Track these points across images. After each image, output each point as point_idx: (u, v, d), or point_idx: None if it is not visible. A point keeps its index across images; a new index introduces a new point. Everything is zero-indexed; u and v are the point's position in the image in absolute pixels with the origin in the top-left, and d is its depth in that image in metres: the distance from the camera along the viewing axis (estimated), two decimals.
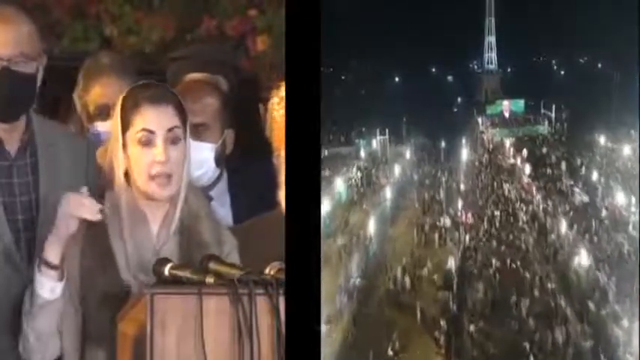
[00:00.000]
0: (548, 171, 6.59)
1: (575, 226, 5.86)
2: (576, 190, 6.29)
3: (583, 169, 6.53)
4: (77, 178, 3.33)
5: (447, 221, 6.04)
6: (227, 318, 2.67)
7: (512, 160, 6.88)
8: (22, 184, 3.26)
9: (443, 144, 6.78)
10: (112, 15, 5.56)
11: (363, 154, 6.74)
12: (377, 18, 6.19)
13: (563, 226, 5.90)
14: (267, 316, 2.68)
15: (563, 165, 6.60)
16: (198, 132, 3.68)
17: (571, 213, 6.07)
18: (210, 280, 2.68)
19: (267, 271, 2.73)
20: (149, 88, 3.02)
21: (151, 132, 2.95)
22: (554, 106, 6.96)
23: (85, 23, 5.55)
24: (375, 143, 6.75)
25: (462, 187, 6.49)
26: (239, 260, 3.02)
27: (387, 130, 6.63)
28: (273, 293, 2.68)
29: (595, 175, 6.36)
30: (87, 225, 2.96)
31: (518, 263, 5.67)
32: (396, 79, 7.01)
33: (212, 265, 2.74)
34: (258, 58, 5.39)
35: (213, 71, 4.09)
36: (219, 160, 3.82)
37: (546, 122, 7.03)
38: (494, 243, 5.89)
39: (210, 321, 2.66)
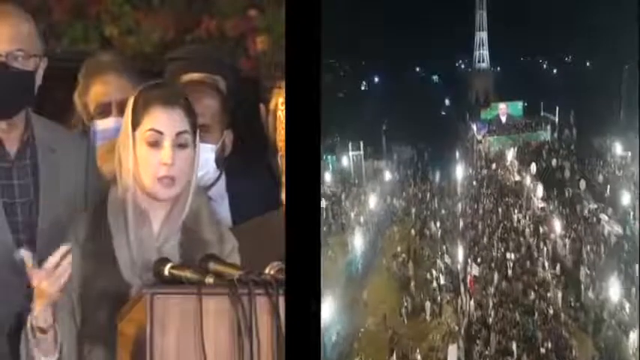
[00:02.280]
0: (565, 191, 5.22)
1: (616, 274, 4.26)
2: (604, 217, 4.94)
3: (607, 189, 5.15)
4: (77, 179, 3.34)
5: (441, 273, 4.45)
6: (227, 318, 2.67)
7: (517, 177, 5.65)
8: (22, 185, 3.26)
9: (431, 158, 5.58)
10: (112, 15, 5.56)
11: (330, 176, 5.35)
12: (352, 11, 5.27)
13: (598, 274, 4.27)
14: (267, 316, 2.68)
15: (583, 183, 5.25)
16: (200, 133, 3.68)
17: (603, 251, 4.51)
18: (209, 280, 2.69)
19: (267, 271, 2.73)
20: (163, 89, 3.03)
21: (160, 133, 2.95)
22: (557, 109, 6.07)
23: (85, 23, 5.54)
24: (346, 160, 5.44)
25: (458, 217, 5.02)
26: (240, 260, 3.03)
27: (361, 144, 5.33)
28: (273, 293, 2.68)
29: (625, 197, 4.93)
30: (88, 223, 2.97)
31: (550, 346, 3.93)
32: (375, 79, 6.08)
33: (212, 265, 2.75)
34: (258, 58, 5.38)
35: (212, 71, 4.09)
36: (219, 160, 3.83)
37: (549, 127, 6.11)
38: (510, 308, 4.24)
39: (210, 321, 2.66)
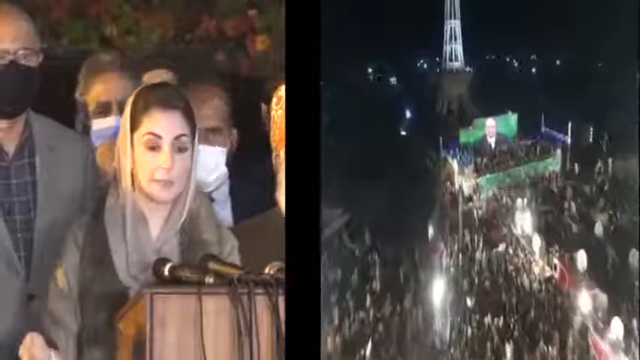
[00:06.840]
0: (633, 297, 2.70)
1: None
2: None
3: None
4: (76, 179, 3.34)
5: None
6: (227, 318, 2.67)
7: (547, 270, 3.06)
8: (20, 184, 3.26)
9: (383, 235, 3.19)
10: (112, 15, 5.56)
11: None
12: None
13: None
14: (267, 316, 2.68)
15: None
16: (209, 136, 3.66)
17: None
18: (209, 279, 2.69)
19: (267, 271, 2.73)
20: (161, 90, 3.02)
21: (158, 137, 2.95)
22: (569, 124, 4.14)
23: (85, 23, 5.55)
24: None
25: None
26: (240, 260, 3.02)
27: None
28: (273, 293, 2.67)
29: None
30: (87, 225, 2.97)
31: None
32: None
33: (212, 265, 2.74)
34: (258, 58, 5.38)
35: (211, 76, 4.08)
36: (229, 162, 3.81)
37: (558, 151, 4.15)
38: None
39: (210, 321, 2.65)
